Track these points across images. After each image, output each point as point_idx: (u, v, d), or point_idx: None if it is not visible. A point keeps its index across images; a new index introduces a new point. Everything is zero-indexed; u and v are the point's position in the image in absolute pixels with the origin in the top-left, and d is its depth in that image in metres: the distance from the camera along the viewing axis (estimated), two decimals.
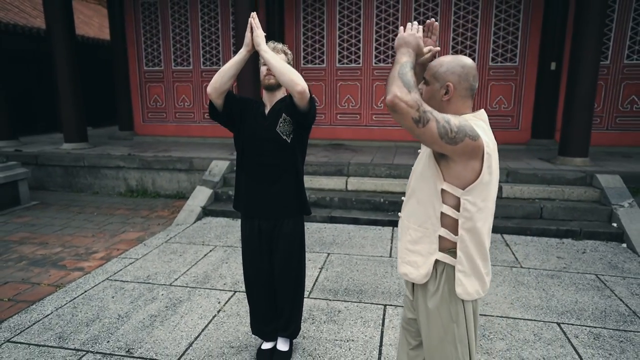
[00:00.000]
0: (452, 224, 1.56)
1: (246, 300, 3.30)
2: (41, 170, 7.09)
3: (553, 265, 4.05)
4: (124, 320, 3.09)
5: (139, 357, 2.67)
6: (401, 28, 1.60)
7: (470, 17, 7.51)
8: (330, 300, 3.40)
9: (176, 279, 3.76)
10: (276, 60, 2.18)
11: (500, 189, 5.37)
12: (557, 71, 7.23)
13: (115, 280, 3.75)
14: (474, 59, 7.64)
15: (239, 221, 5.22)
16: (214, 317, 3.14)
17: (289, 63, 2.36)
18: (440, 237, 1.58)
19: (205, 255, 4.30)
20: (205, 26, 8.48)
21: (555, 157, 6.16)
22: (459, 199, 1.52)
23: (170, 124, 9.04)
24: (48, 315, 3.17)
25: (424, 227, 1.61)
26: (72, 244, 4.68)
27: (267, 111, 2.40)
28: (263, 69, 2.35)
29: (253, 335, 2.87)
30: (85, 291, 3.54)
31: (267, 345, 2.66)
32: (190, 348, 2.76)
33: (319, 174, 6.06)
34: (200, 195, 5.70)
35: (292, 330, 2.63)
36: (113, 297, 3.44)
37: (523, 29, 7.38)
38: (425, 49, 1.70)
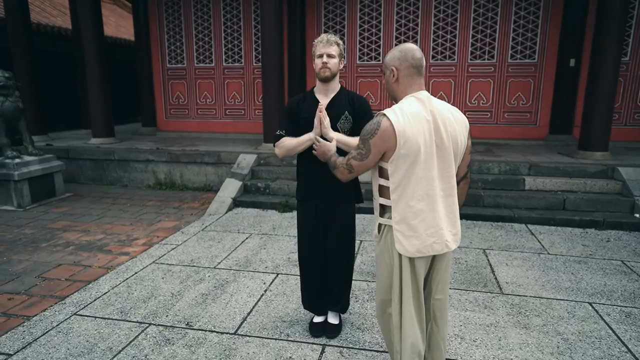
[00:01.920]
0: (387, 192, 1.92)
1: (290, 281, 3.54)
2: (72, 164, 7.33)
3: (579, 252, 4.19)
4: (178, 298, 3.28)
5: (199, 329, 2.86)
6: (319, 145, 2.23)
7: (490, 15, 7.65)
8: (369, 281, 3.57)
9: (219, 263, 3.95)
10: (344, 139, 2.37)
11: (522, 182, 5.52)
12: (576, 68, 7.35)
13: (162, 263, 3.95)
14: (492, 57, 7.78)
15: (269, 212, 5.49)
16: (261, 296, 3.33)
17: (341, 53, 2.53)
18: (380, 205, 1.98)
19: (242, 242, 4.49)
20: (227, 24, 8.67)
21: (575, 151, 6.29)
22: (387, 170, 1.88)
23: (192, 120, 9.25)
24: (106, 293, 3.37)
25: (373, 198, 2.06)
26: (112, 231, 4.89)
27: (324, 103, 2.55)
28: (318, 62, 2.50)
29: (303, 311, 3.06)
30: (136, 273, 3.74)
31: (318, 319, 2.84)
32: (245, 322, 2.95)
33: None
34: (230, 187, 5.89)
35: (342, 305, 2.81)
36: (163, 278, 3.64)
37: (542, 26, 7.51)
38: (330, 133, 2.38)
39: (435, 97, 2.02)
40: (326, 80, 2.52)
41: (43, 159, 6.20)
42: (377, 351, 2.63)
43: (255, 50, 8.62)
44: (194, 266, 3.88)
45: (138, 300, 3.25)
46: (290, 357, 2.57)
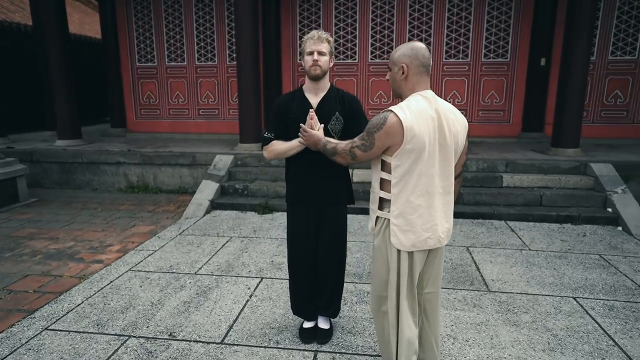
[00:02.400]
0: (388, 186, 1.95)
1: (275, 285, 3.43)
2: (36, 167, 6.95)
3: (558, 248, 4.27)
4: (158, 307, 3.12)
5: (183, 340, 2.72)
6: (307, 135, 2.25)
7: (464, 14, 7.75)
8: (357, 283, 3.51)
9: (200, 268, 3.80)
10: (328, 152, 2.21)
11: (500, 179, 5.60)
12: (546, 67, 7.54)
13: (139, 270, 3.76)
14: (466, 55, 7.89)
15: (249, 213, 5.35)
16: (247, 301, 3.21)
17: (331, 50, 2.46)
18: (380, 197, 2.00)
19: (223, 245, 4.34)
20: (199, 21, 8.45)
21: (548, 148, 6.44)
22: (390, 164, 1.90)
23: (164, 121, 8.97)
24: (79, 304, 3.17)
25: (373, 191, 2.06)
26: (83, 238, 4.64)
27: (314, 103, 2.47)
28: (308, 59, 2.41)
29: (291, 316, 2.96)
30: (111, 281, 3.54)
31: (308, 324, 2.75)
32: (232, 330, 2.83)
33: None
34: (207, 189, 5.72)
35: (333, 310, 2.73)
36: (141, 286, 3.46)
37: (514, 26, 7.66)
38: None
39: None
40: (317, 78, 2.44)
41: (4, 163, 5.84)
42: (371, 355, 2.56)
43: (229, 49, 8.44)
44: (173, 272, 3.72)
45: (115, 311, 3.07)
46: None
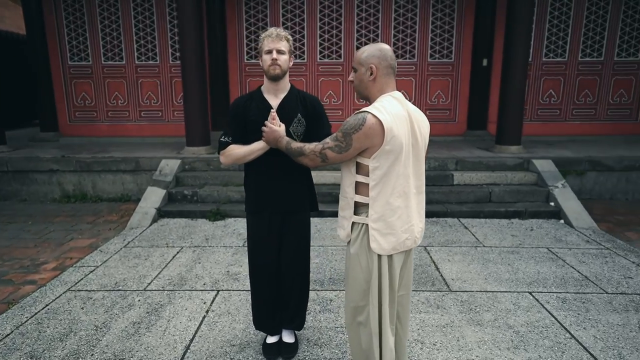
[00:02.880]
0: (364, 190, 1.88)
1: (233, 298, 3.25)
2: None
3: (510, 243, 4.40)
4: (104, 331, 2.83)
5: None
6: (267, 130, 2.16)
7: (410, 15, 7.87)
8: (318, 290, 3.40)
9: (149, 284, 3.52)
10: (293, 152, 2.08)
11: (451, 177, 5.72)
12: (488, 67, 7.84)
13: (79, 290, 3.41)
14: (413, 56, 8.03)
15: (199, 221, 5.08)
16: (203, 318, 3.00)
17: (291, 49, 2.33)
18: (356, 202, 1.91)
19: (173, 257, 4.07)
20: (138, 18, 7.96)
21: (493, 146, 6.68)
22: (368, 166, 1.84)
23: (102, 124, 8.36)
24: (9, 334, 2.81)
25: (345, 196, 1.97)
26: (12, 256, 4.17)
27: (274, 105, 2.32)
28: (267, 58, 2.26)
29: (253, 331, 2.80)
30: (47, 305, 3.18)
31: (272, 339, 2.60)
32: (189, 351, 2.61)
33: None
34: (153, 197, 5.37)
35: (298, 322, 2.60)
36: (82, 308, 3.14)
37: (457, 27, 7.89)
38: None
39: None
40: (276, 78, 2.29)
41: None
42: None
43: (171, 47, 8.02)
44: (119, 290, 3.41)
45: (53, 339, 2.75)
46: None
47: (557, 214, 5.16)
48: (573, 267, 3.81)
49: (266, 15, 7.97)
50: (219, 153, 2.37)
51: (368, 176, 1.85)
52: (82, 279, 3.62)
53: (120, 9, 7.90)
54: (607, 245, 4.34)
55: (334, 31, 7.95)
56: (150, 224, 5.00)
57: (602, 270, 3.75)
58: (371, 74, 1.87)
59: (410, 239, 1.93)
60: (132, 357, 2.56)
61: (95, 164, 6.08)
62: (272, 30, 2.28)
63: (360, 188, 1.90)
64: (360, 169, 1.88)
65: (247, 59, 8.15)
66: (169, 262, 3.94)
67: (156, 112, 8.28)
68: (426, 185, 5.51)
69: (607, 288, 3.43)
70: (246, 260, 3.90)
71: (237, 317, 3.00)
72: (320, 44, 8.03)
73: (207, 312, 3.08)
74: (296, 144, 2.06)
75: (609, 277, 3.63)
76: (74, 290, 3.41)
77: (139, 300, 3.24)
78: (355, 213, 1.93)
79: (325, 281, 3.55)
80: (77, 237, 4.69)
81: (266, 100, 2.35)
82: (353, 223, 1.94)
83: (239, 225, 4.95)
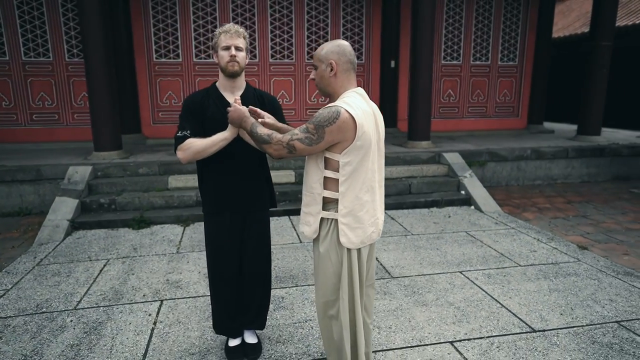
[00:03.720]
0: (333, 185, 1.90)
1: (180, 306, 3.13)
2: None
3: (434, 230, 4.80)
4: (36, 359, 2.51)
5: None
6: (231, 109, 2.08)
7: (322, 18, 8.11)
8: (272, 288, 3.36)
9: (79, 302, 3.19)
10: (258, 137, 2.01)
11: None
12: (395, 68, 8.39)
13: None
14: None
15: (122, 230, 4.74)
16: (152, 330, 2.81)
17: (247, 47, 2.31)
18: (324, 197, 1.93)
19: (101, 270, 3.72)
20: (23, 8, 7.05)
21: (406, 142, 7.18)
22: (338, 162, 1.86)
23: None
24: None
25: (311, 192, 1.97)
26: None
27: (232, 102, 2.27)
28: (224, 54, 2.21)
29: (210, 337, 2.70)
30: None
31: (234, 342, 2.54)
32: None
33: None
34: (64, 208, 4.83)
35: (260, 322, 2.57)
36: (1, 337, 2.74)
37: (366, 30, 8.32)
38: (266, 119, 2.20)
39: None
40: (234, 75, 2.25)
41: None
42: None
43: (67, 43, 7.26)
44: (44, 312, 3.04)
45: None
46: None
47: (467, 201, 5.73)
48: (489, 247, 4.29)
49: (175, 12, 7.61)
50: (175, 149, 2.23)
51: (337, 171, 1.87)
52: None
53: None
54: (512, 225, 4.95)
55: (249, 31, 7.87)
56: (64, 238, 4.50)
57: (513, 247, 4.28)
58: (331, 69, 1.90)
59: (376, 231, 2.01)
60: None
61: None
62: (229, 26, 2.23)
63: (328, 183, 1.91)
64: (329, 165, 1.89)
65: (157, 58, 7.70)
66: (96, 277, 3.60)
67: (51, 114, 7.44)
68: None
69: (520, 261, 3.92)
70: (185, 267, 3.77)
71: (189, 325, 2.86)
72: (196, 41, 7.87)
73: (154, 323, 2.89)
74: (262, 130, 1.97)
75: (519, 252, 4.15)
76: None
77: (71, 321, 2.92)
78: (324, 209, 1.94)
79: (274, 280, 3.54)
80: None
81: (224, 98, 2.30)
82: (321, 219, 1.96)
83: (168, 232, 4.69)
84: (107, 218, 4.86)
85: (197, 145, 2.16)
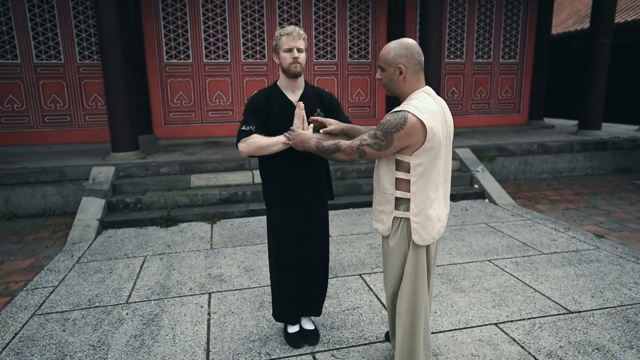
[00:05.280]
0: (405, 185, 1.97)
1: (229, 299, 3.26)
2: None
3: (454, 222, 4.96)
4: (104, 350, 2.61)
5: None
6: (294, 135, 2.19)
7: (329, 18, 8.24)
8: None
9: (129, 296, 3.28)
10: (325, 150, 2.14)
11: None
12: None
13: (49, 313, 3.06)
14: (334, 56, 8.42)
15: (150, 229, 4.83)
16: (208, 320, 2.93)
17: (307, 47, 2.43)
18: (396, 198, 2.00)
19: (141, 267, 3.82)
20: (34, 11, 7.07)
21: None
22: (409, 163, 1.93)
23: None
24: None
25: (384, 192, 2.05)
26: None
27: (293, 100, 2.39)
28: (287, 56, 2.31)
29: (267, 325, 2.83)
30: (17, 333, 2.81)
31: (293, 329, 2.67)
32: (211, 353, 2.56)
33: (219, 170, 5.88)
34: (91, 207, 4.90)
35: (318, 309, 2.70)
36: (64, 330, 2.84)
37: (372, 30, 8.47)
38: (329, 127, 2.29)
39: None
40: (297, 75, 2.36)
41: None
42: (364, 344, 2.63)
43: (78, 45, 7.29)
44: (98, 306, 3.13)
45: None
46: None
47: (481, 194, 5.92)
48: (511, 237, 4.47)
49: (185, 14, 7.68)
50: (237, 142, 2.34)
51: (409, 172, 1.93)
52: (44, 301, 3.23)
53: (9, 0, 6.94)
54: (527, 216, 5.14)
55: (257, 31, 7.97)
56: (96, 237, 4.58)
57: (533, 237, 4.46)
58: (400, 73, 1.91)
59: (443, 225, 2.09)
60: None
61: (7, 177, 5.32)
62: (289, 28, 2.34)
63: (400, 184, 1.98)
64: (400, 166, 1.95)
65: (167, 59, 7.77)
66: (139, 273, 3.69)
67: (63, 116, 7.46)
68: (367, 177, 5.91)
69: (543, 250, 4.10)
70: (223, 262, 3.89)
71: (243, 315, 2.98)
72: (244, 44, 7.99)
73: (209, 314, 3.00)
74: (327, 143, 2.07)
75: (540, 241, 4.34)
76: (41, 314, 3.04)
77: (127, 314, 3.02)
78: (396, 208, 2.02)
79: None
80: (9, 259, 4.11)
81: (286, 97, 2.41)
82: (394, 217, 2.03)
83: (196, 229, 4.79)
84: (134, 217, 4.94)
85: (260, 142, 2.28)
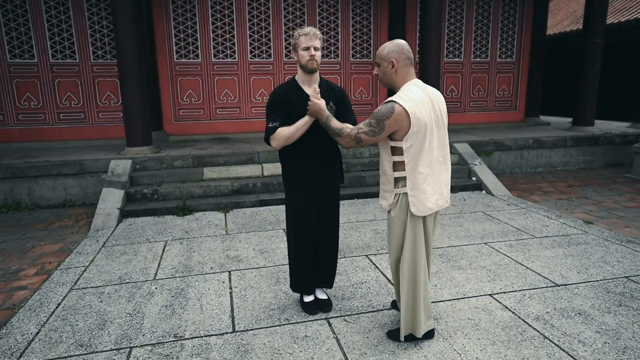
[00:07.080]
0: (401, 166, 2.32)
1: (247, 276, 3.57)
2: None
3: (453, 211, 5.28)
4: (140, 316, 2.93)
5: (194, 337, 2.67)
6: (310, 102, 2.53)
7: (332, 19, 8.56)
8: None
9: (156, 274, 3.60)
10: (331, 130, 2.48)
11: None
12: None
13: (85, 287, 3.37)
14: (337, 55, 8.73)
15: (167, 217, 5.15)
16: (230, 293, 3.24)
17: (322, 46, 2.74)
18: (395, 178, 2.35)
19: (163, 250, 4.13)
20: (51, 12, 7.39)
21: None
22: (402, 148, 2.27)
23: (11, 129, 7.56)
24: (37, 333, 2.75)
25: (385, 174, 2.41)
26: None
27: (309, 93, 2.69)
28: (304, 54, 2.62)
29: (284, 297, 3.14)
30: (59, 304, 3.12)
31: (309, 298, 2.98)
32: (236, 319, 2.87)
33: (230, 163, 6.19)
34: (112, 198, 5.21)
35: (331, 281, 3.02)
36: (101, 301, 3.15)
37: (374, 30, 8.79)
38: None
39: None
40: (313, 71, 2.68)
41: None
42: (372, 311, 2.94)
43: (92, 45, 7.60)
44: (128, 282, 3.44)
45: (92, 329, 2.78)
46: (306, 336, 2.67)
47: (479, 186, 6.23)
48: (506, 223, 4.78)
49: (195, 15, 7.99)
50: (268, 139, 2.66)
51: (402, 155, 2.28)
52: (78, 278, 3.54)
53: (28, 2, 7.25)
54: (522, 206, 5.46)
55: (264, 32, 8.28)
56: (117, 225, 4.89)
57: (527, 223, 4.78)
58: (392, 66, 2.28)
59: (441, 199, 2.41)
60: (184, 331, 2.74)
61: (31, 169, 5.64)
62: (307, 29, 2.66)
63: (397, 166, 2.34)
64: (396, 151, 2.31)
65: (177, 58, 8.08)
66: (162, 255, 4.01)
67: (78, 113, 7.77)
68: (370, 170, 6.25)
69: (535, 234, 4.42)
70: (239, 245, 4.20)
71: (261, 289, 3.30)
72: (251, 44, 8.30)
73: (230, 288, 3.32)
74: (335, 123, 2.44)
75: (533, 227, 4.65)
76: (78, 289, 3.35)
77: (156, 288, 3.34)
78: (395, 186, 2.37)
79: None
80: (39, 243, 4.42)
81: (303, 90, 2.73)
82: (395, 194, 2.38)
83: (211, 218, 5.10)
84: (152, 207, 5.25)
85: (286, 133, 2.60)
